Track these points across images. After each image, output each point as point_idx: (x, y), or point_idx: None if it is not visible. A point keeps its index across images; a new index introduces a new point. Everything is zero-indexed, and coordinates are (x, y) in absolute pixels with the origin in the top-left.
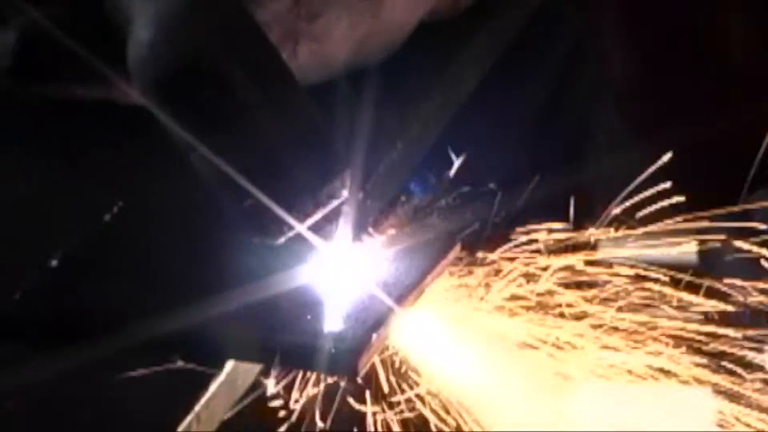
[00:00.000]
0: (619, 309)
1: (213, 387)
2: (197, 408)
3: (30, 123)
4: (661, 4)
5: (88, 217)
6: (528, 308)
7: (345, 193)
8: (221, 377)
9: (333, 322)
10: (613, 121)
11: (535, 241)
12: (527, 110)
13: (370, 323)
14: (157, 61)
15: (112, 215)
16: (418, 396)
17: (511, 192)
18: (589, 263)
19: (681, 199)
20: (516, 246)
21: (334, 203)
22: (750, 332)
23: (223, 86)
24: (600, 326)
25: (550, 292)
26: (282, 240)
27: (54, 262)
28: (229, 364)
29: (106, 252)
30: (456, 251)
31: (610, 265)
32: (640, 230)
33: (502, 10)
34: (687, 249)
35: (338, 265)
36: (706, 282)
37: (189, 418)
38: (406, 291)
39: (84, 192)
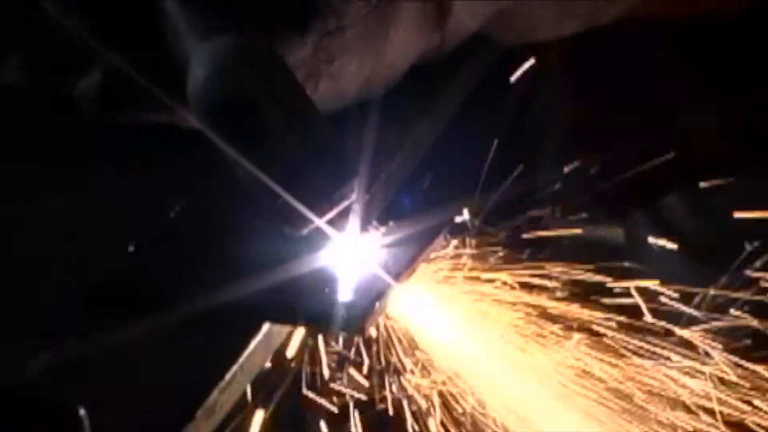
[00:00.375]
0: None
1: (252, 344)
2: (241, 360)
3: (113, 140)
4: (596, 48)
5: (157, 214)
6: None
7: (354, 196)
8: (259, 336)
9: (345, 294)
10: (560, 139)
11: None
12: (494, 132)
13: (374, 295)
14: (208, 95)
15: (176, 212)
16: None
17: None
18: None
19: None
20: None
21: (345, 203)
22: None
23: (259, 115)
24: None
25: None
26: (305, 231)
27: (131, 248)
28: (266, 326)
29: (172, 240)
30: (439, 241)
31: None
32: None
33: (474, 56)
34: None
35: (349, 250)
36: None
37: (234, 367)
38: (401, 270)
39: (154, 195)
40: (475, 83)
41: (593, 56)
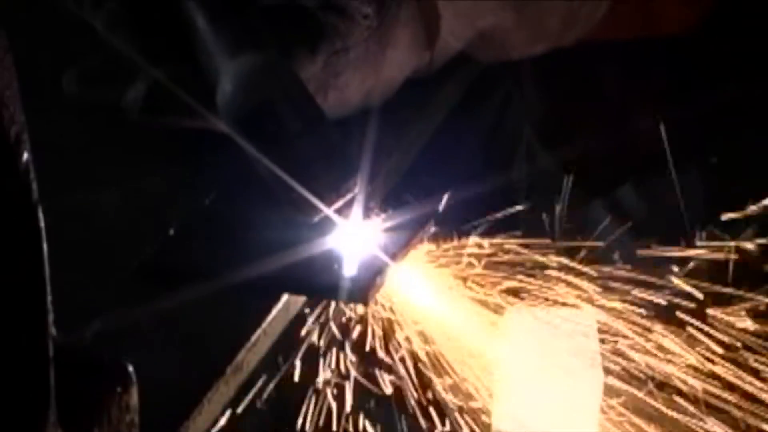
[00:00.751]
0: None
1: (273, 311)
2: (264, 324)
3: (159, 140)
4: (566, 61)
5: (194, 201)
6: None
7: (357, 189)
8: (279, 305)
9: (350, 270)
10: (534, 145)
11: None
12: (475, 138)
13: (374, 271)
14: (236, 105)
15: (210, 200)
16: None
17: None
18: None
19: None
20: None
21: (350, 195)
22: None
23: (279, 122)
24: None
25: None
26: (316, 219)
27: (172, 231)
28: (284, 297)
29: (208, 224)
30: (429, 227)
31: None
32: None
33: (459, 71)
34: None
35: (353, 234)
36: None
37: (258, 331)
38: (398, 251)
39: (191, 185)
40: (460, 93)
41: (559, 70)
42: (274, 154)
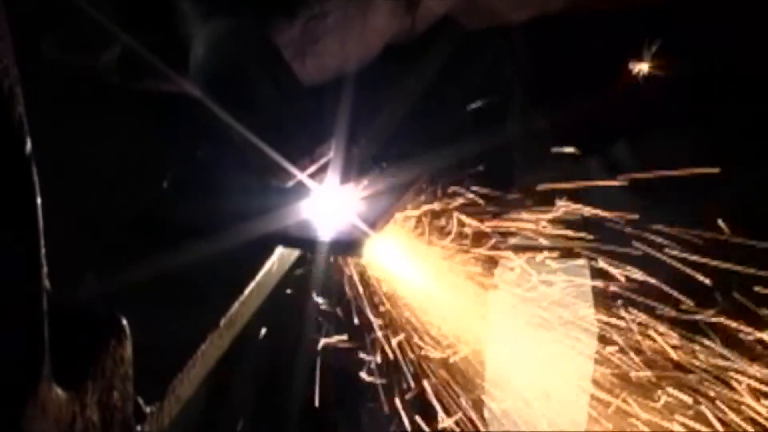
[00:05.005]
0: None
1: (266, 265)
2: (258, 277)
3: (138, 103)
4: (556, 22)
5: (185, 157)
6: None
7: (331, 154)
8: (272, 259)
9: (327, 235)
10: (524, 105)
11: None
12: (465, 98)
13: (365, 226)
14: (208, 69)
15: (202, 153)
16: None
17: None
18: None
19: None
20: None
21: (324, 160)
22: None
23: (250, 87)
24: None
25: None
26: (290, 183)
27: (165, 184)
28: (278, 251)
29: (200, 178)
30: (408, 197)
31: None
32: None
33: (443, 36)
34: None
35: (328, 198)
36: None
37: (252, 284)
38: (378, 218)
39: (180, 143)
40: (442, 59)
41: (548, 30)
42: (246, 118)
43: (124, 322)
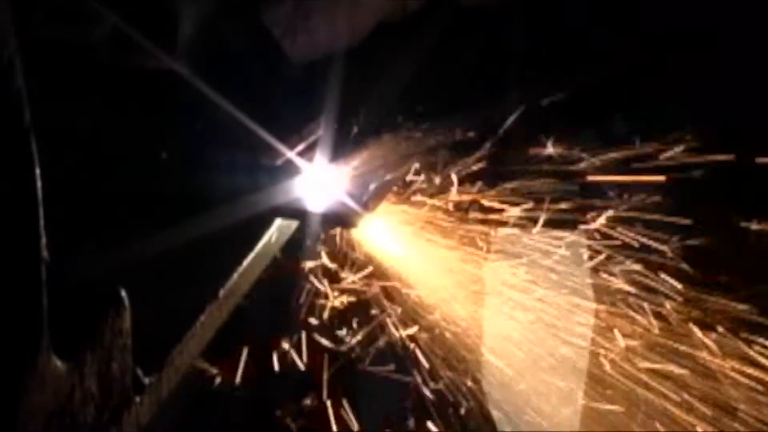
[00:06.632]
0: None
1: (265, 237)
2: (257, 249)
3: (124, 81)
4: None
5: (183, 131)
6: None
7: (320, 132)
8: (271, 231)
9: (317, 210)
10: (516, 79)
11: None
12: (463, 73)
13: (359, 198)
14: (194, 47)
15: (199, 129)
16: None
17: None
18: None
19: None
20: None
21: (313, 138)
22: None
23: (238, 62)
24: None
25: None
26: (279, 161)
27: (164, 155)
28: (276, 223)
29: (199, 150)
30: (398, 177)
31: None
32: None
33: (436, 13)
34: None
35: (319, 176)
36: None
37: (251, 255)
38: (370, 197)
39: (178, 118)
40: (434, 39)
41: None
42: (233, 95)
43: (123, 294)
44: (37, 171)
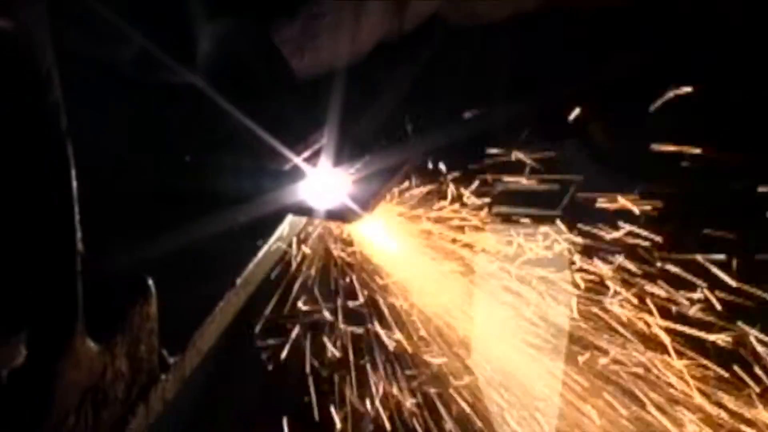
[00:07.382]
0: None
1: (278, 231)
2: (270, 242)
3: (153, 94)
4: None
5: (207, 132)
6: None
7: (324, 139)
8: (286, 222)
9: (319, 215)
10: (507, 88)
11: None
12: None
13: (360, 196)
14: (212, 64)
15: (219, 136)
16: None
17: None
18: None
19: None
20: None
21: (317, 145)
22: None
23: (251, 78)
24: None
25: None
26: (287, 167)
27: (188, 158)
28: (288, 218)
29: (216, 155)
30: (396, 181)
31: None
32: None
33: (431, 33)
34: None
35: (320, 182)
36: None
37: (265, 247)
38: (370, 198)
39: (198, 126)
40: (431, 52)
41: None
42: (246, 106)
43: (150, 282)
44: (73, 172)
